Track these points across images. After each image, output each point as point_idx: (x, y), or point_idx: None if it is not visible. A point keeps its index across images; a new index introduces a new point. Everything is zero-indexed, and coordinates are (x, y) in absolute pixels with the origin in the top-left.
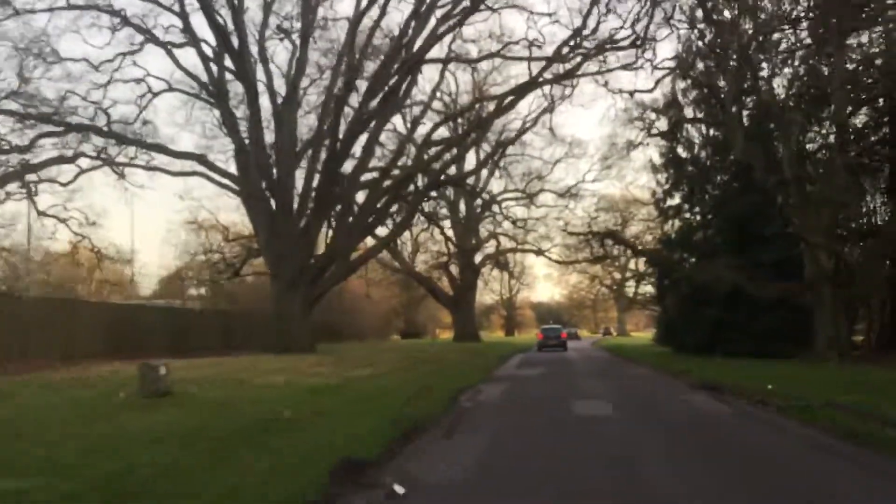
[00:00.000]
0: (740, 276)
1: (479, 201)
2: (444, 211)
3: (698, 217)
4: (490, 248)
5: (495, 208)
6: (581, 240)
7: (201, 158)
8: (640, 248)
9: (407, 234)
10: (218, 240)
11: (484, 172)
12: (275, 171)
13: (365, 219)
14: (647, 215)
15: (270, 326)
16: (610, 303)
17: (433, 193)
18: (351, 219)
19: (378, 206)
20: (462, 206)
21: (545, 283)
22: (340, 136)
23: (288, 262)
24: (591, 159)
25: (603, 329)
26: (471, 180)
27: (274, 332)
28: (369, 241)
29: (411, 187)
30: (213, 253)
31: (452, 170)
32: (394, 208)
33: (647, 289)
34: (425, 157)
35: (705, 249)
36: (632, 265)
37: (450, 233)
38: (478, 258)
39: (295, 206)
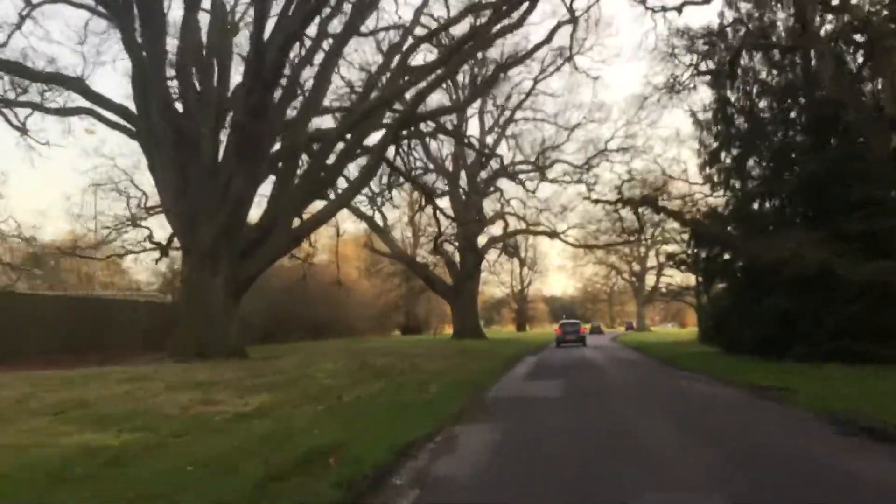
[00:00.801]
0: (827, 252)
1: (482, 175)
2: (443, 185)
3: (755, 183)
4: (496, 229)
5: (502, 184)
6: (608, 210)
7: (79, 85)
8: (687, 216)
9: (403, 216)
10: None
11: (490, 139)
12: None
13: (317, 173)
14: (677, 192)
15: (188, 322)
16: (626, 296)
17: (412, 133)
18: (299, 173)
19: (336, 155)
20: (463, 178)
21: (558, 276)
22: (267, 51)
23: (204, 229)
24: (615, 125)
25: (626, 324)
26: (473, 136)
27: (186, 330)
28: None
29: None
30: (123, 226)
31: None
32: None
33: (675, 277)
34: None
35: (770, 221)
36: (666, 248)
37: (449, 214)
38: (482, 241)
39: (220, 154)
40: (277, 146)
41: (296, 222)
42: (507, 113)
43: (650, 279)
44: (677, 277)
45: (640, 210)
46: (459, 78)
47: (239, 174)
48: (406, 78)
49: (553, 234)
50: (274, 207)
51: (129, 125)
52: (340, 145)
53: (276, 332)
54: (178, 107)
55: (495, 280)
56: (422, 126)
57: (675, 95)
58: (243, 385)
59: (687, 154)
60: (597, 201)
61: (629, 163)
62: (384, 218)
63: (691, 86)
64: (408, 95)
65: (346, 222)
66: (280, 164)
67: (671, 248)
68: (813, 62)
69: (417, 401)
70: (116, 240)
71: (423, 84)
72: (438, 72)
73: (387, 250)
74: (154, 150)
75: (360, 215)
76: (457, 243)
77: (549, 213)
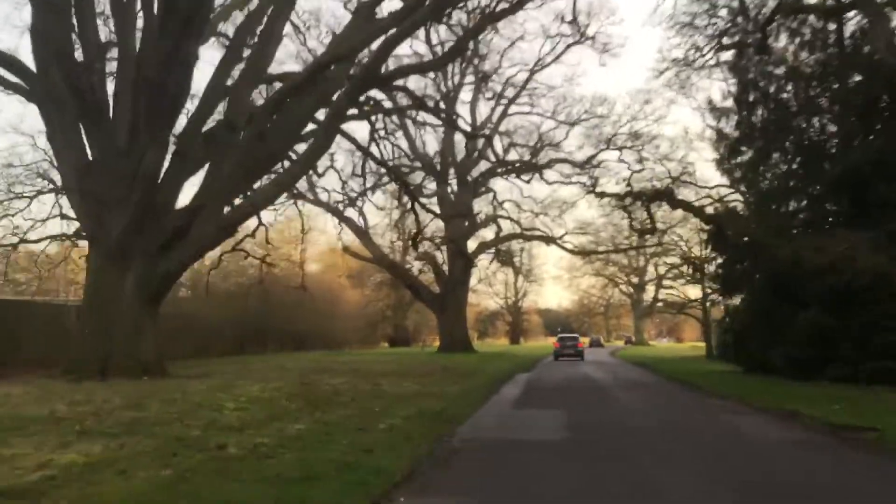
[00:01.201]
0: (884, 256)
1: (473, 173)
2: (430, 185)
3: (781, 178)
4: (489, 233)
5: (495, 185)
6: (615, 206)
7: None
8: (710, 211)
9: (384, 217)
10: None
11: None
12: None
13: (259, 151)
14: (683, 196)
15: (90, 331)
16: (622, 309)
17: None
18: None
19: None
20: (453, 180)
21: (553, 287)
22: None
23: (112, 215)
24: (619, 119)
25: (626, 338)
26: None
27: (87, 341)
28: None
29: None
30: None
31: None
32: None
33: (674, 290)
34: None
35: (801, 221)
36: (666, 259)
37: (432, 209)
38: (472, 246)
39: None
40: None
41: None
42: (501, 107)
43: (649, 292)
44: (675, 290)
45: (653, 206)
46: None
47: (153, 146)
48: (370, 26)
49: (549, 240)
50: (204, 191)
51: (23, 83)
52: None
53: (249, 344)
54: (86, 64)
55: (489, 291)
56: (400, 100)
57: (694, 73)
58: (94, 422)
59: (693, 156)
60: (602, 195)
61: (639, 161)
62: (364, 219)
63: (711, 62)
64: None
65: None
66: (216, 141)
67: (672, 259)
68: (847, 39)
69: (345, 454)
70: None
71: (391, 32)
72: (412, 19)
73: (368, 255)
74: (54, 114)
75: (339, 216)
76: (440, 244)
77: (546, 216)
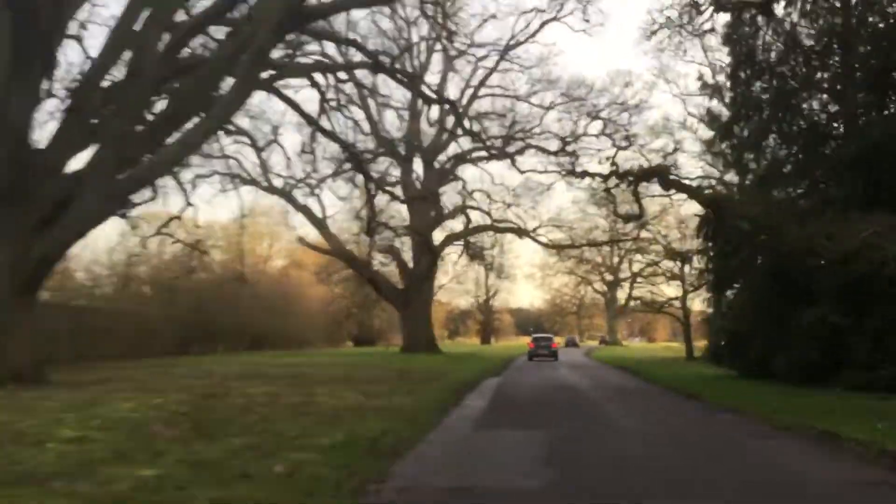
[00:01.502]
0: None
1: (440, 158)
2: (396, 173)
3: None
4: (457, 224)
5: (465, 173)
6: (596, 188)
7: None
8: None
9: (346, 207)
10: None
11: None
12: None
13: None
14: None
15: None
16: (594, 309)
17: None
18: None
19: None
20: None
21: (526, 286)
22: None
23: None
24: (598, 100)
25: (601, 338)
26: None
27: None
28: None
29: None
30: None
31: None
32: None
33: (646, 288)
34: None
35: (812, 205)
36: (640, 257)
37: (391, 191)
38: (439, 238)
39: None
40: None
41: None
42: (471, 90)
43: (623, 290)
44: (652, 289)
45: (639, 186)
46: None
47: (17, 91)
48: None
49: (522, 232)
50: (96, 156)
51: None
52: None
53: (197, 343)
54: None
55: (460, 289)
56: (353, 55)
57: (687, 40)
58: None
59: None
60: (584, 174)
61: (625, 139)
62: (322, 208)
63: (707, 25)
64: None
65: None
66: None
67: (650, 255)
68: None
69: None
70: None
71: None
72: None
73: (326, 247)
74: None
75: (296, 205)
76: (401, 234)
77: (519, 207)
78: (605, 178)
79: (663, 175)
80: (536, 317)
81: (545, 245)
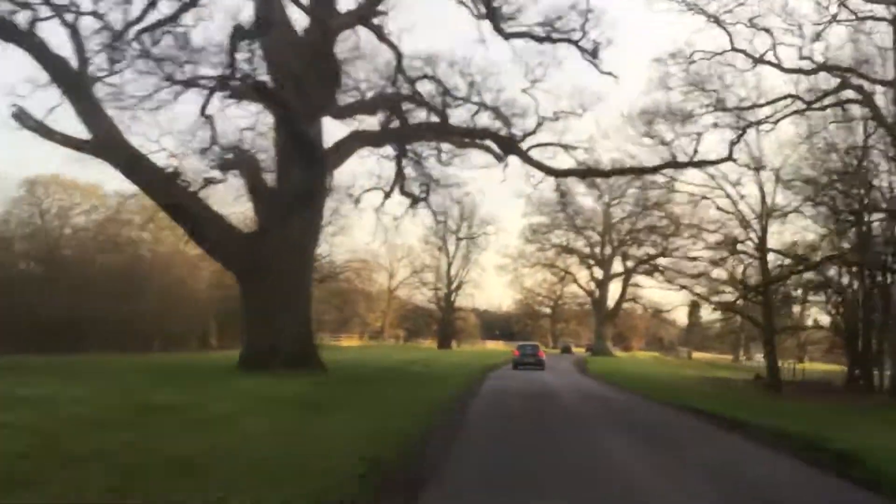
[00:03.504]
0: None
1: None
2: None
3: None
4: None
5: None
6: None
7: None
8: None
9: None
10: None
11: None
12: None
13: None
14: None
15: None
16: (570, 312)
17: None
18: None
19: None
20: None
21: (495, 284)
22: None
23: None
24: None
25: (586, 346)
26: None
27: None
28: None
29: None
30: None
31: None
32: None
33: (646, 287)
34: None
35: None
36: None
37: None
38: (337, 133)
39: None
40: None
41: None
42: None
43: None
44: (647, 288)
45: None
46: None
47: None
48: None
49: (504, 143)
50: None
51: None
52: None
53: (52, 340)
54: None
55: (416, 281)
56: None
57: None
58: None
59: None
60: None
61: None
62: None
63: None
64: None
65: None
66: None
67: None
68: None
69: None
70: None
71: None
72: None
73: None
74: None
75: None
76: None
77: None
78: None
79: None
80: (505, 320)
81: (543, 169)
